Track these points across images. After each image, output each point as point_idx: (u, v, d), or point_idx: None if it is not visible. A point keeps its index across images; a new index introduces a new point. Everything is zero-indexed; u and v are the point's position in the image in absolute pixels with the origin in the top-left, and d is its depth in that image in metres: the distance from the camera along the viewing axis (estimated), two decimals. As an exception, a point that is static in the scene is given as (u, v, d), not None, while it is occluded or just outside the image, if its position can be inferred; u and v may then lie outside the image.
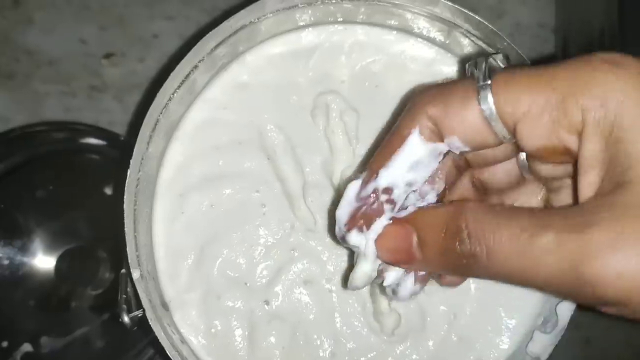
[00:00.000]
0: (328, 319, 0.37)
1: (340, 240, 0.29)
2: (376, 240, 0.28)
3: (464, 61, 0.39)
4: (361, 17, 0.39)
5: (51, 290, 0.51)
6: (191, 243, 0.37)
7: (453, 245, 0.25)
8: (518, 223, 0.23)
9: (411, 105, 0.27)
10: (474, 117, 0.26)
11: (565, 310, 0.35)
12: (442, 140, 0.27)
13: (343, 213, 0.28)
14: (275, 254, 0.38)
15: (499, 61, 0.27)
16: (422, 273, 0.29)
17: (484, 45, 0.37)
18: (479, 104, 0.25)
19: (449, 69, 0.40)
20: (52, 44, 0.56)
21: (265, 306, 0.37)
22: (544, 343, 0.35)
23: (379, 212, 0.28)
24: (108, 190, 0.52)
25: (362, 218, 0.28)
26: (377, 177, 0.28)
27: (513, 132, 0.26)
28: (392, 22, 0.39)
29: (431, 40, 0.39)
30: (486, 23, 0.36)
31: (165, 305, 0.36)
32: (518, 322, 0.37)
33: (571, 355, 0.54)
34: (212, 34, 0.36)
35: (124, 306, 0.35)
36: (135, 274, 0.34)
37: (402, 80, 0.39)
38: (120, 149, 0.51)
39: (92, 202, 0.52)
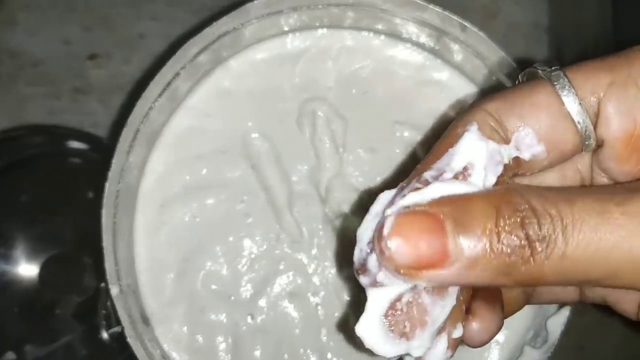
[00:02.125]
0: (314, 333, 0.36)
1: (359, 270, 0.20)
2: (384, 239, 0.19)
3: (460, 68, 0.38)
4: (348, 21, 0.38)
5: (35, 298, 0.50)
6: (173, 255, 0.37)
7: (513, 229, 0.18)
8: (597, 192, 0.19)
9: (465, 109, 0.22)
10: (548, 99, 0.21)
11: (556, 325, 0.34)
12: (506, 141, 0.21)
13: (367, 228, 0.20)
14: (260, 266, 0.37)
15: (558, 64, 0.23)
16: (456, 336, 0.21)
17: (473, 52, 0.36)
18: (552, 83, 0.21)
19: (439, 74, 0.38)
20: (35, 45, 0.54)
21: (250, 320, 0.36)
22: (534, 358, 0.34)
23: None
24: (92, 195, 0.51)
25: None
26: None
27: (595, 121, 0.21)
28: (380, 27, 0.38)
29: (420, 46, 0.38)
30: (476, 30, 0.35)
31: (146, 320, 0.35)
32: (507, 336, 0.36)
33: (564, 361, 0.54)
34: (193, 40, 0.35)
35: (104, 322, 0.34)
36: (114, 290, 0.33)
37: (391, 86, 0.38)
38: (103, 153, 0.50)
39: (75, 206, 0.51)
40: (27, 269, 0.49)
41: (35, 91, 0.54)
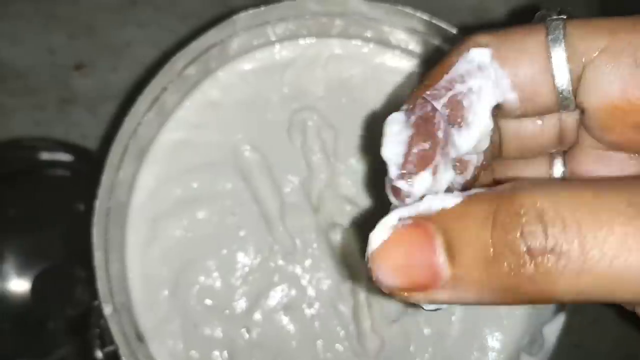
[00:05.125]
0: (310, 346, 0.36)
1: (394, 196, 0.20)
2: (373, 253, 0.17)
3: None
4: (336, 30, 0.38)
5: (27, 312, 0.49)
6: (166, 271, 0.36)
7: (513, 240, 0.15)
8: (621, 196, 0.15)
9: (459, 42, 0.21)
10: (536, 49, 0.20)
11: (552, 331, 0.34)
12: None
13: (393, 148, 0.20)
14: (254, 279, 0.37)
15: (572, 13, 0.21)
16: None
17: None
18: (547, 34, 0.19)
19: (429, 81, 0.38)
20: (19, 55, 0.53)
21: (246, 334, 0.36)
22: (530, 365, 0.35)
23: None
24: (82, 207, 0.50)
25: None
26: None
27: (576, 85, 0.20)
28: (369, 35, 0.38)
29: (409, 53, 0.38)
30: (462, 37, 0.35)
31: (140, 337, 0.35)
32: (504, 342, 0.36)
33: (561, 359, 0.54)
34: (180, 54, 0.35)
35: (98, 340, 0.34)
36: (107, 310, 0.33)
37: (381, 94, 0.38)
38: (91, 164, 0.50)
39: (65, 219, 0.50)
40: (19, 284, 0.49)
41: (20, 103, 0.53)
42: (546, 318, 0.35)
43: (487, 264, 0.16)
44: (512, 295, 0.16)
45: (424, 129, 0.20)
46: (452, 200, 0.17)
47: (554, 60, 0.20)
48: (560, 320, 0.34)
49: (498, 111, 0.21)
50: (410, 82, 0.38)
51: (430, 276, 0.16)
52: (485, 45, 0.20)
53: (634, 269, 0.15)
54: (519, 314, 0.37)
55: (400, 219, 0.17)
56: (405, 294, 0.17)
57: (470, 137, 0.20)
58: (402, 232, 0.17)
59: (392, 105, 0.38)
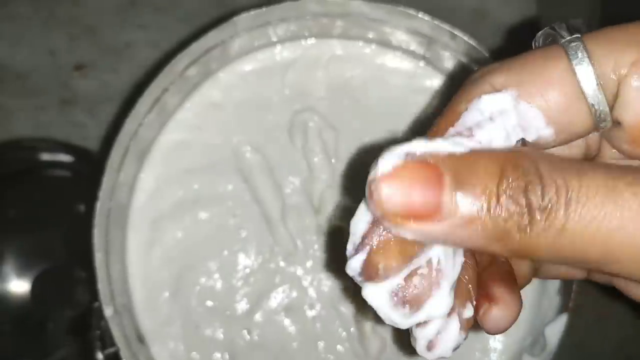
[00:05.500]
0: (311, 347, 0.36)
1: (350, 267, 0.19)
2: (382, 175, 0.17)
3: (451, 76, 0.38)
4: (338, 31, 0.37)
5: (28, 313, 0.49)
6: (167, 272, 0.36)
7: (515, 193, 0.17)
8: (607, 169, 0.17)
9: (467, 80, 0.20)
10: (562, 76, 0.19)
11: (554, 332, 0.34)
12: None
13: (360, 222, 0.19)
14: (255, 280, 0.37)
15: (580, 25, 0.20)
16: (467, 316, 0.20)
17: (464, 59, 0.36)
18: (569, 59, 0.19)
19: (431, 82, 0.38)
20: (19, 56, 0.54)
21: (247, 335, 0.36)
22: (532, 367, 0.35)
23: None
24: (82, 207, 0.50)
25: None
26: None
27: (612, 103, 0.19)
28: (370, 36, 0.38)
29: (411, 54, 0.38)
30: (466, 38, 0.35)
31: (141, 339, 0.35)
32: (506, 343, 0.36)
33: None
34: (181, 55, 0.35)
35: (98, 342, 0.34)
36: (108, 311, 0.33)
37: (382, 95, 0.38)
38: (92, 165, 0.49)
39: (65, 220, 0.50)
40: (19, 285, 0.49)
41: (21, 104, 0.53)
42: (548, 319, 0.35)
43: (489, 209, 0.17)
44: (499, 243, 0.18)
45: None
46: (459, 148, 0.18)
47: (585, 85, 0.19)
48: (562, 320, 0.34)
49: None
50: (412, 83, 0.38)
51: (432, 209, 0.17)
52: (501, 87, 0.19)
53: (602, 235, 0.17)
54: (521, 314, 0.37)
55: (407, 154, 0.18)
56: (400, 221, 0.18)
57: None
58: (413, 163, 0.18)
59: (394, 107, 0.38)
